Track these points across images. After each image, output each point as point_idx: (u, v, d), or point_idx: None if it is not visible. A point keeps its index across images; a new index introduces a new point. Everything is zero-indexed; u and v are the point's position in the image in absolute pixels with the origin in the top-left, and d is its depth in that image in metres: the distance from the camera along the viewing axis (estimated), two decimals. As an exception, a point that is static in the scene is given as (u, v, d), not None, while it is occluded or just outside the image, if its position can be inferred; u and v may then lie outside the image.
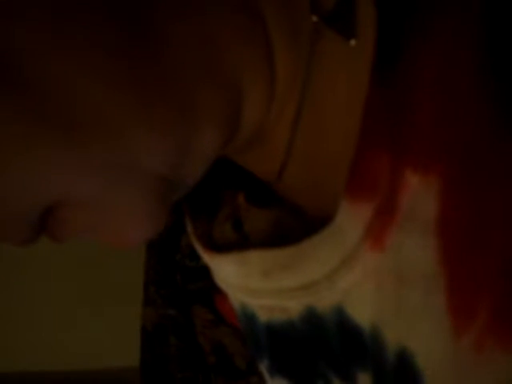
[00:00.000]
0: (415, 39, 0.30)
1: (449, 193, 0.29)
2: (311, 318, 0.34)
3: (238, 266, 0.35)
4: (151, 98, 0.28)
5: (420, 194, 0.30)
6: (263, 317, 0.37)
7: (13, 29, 0.25)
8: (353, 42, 0.31)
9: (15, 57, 0.25)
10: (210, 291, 0.63)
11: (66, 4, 0.26)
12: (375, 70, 0.30)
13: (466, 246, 0.29)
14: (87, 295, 1.47)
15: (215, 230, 0.39)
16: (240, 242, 0.37)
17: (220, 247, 0.37)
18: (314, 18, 0.31)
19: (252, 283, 0.35)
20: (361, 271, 0.32)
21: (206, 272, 0.43)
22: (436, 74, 0.30)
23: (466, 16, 0.30)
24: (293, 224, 0.37)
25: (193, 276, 0.72)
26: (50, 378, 1.56)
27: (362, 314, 0.33)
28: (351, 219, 0.31)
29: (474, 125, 0.29)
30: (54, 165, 0.26)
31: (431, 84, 0.30)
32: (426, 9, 0.31)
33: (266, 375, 0.41)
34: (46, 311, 1.50)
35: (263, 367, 0.40)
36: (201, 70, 0.29)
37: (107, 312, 1.47)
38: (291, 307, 0.35)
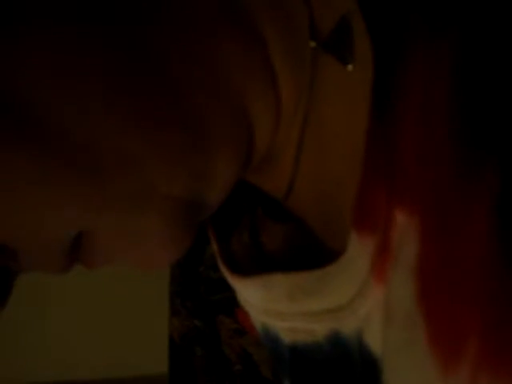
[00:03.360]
0: (401, 83, 0.31)
1: (426, 235, 0.30)
2: (337, 340, 0.35)
3: (263, 289, 0.36)
4: (165, 131, 0.29)
5: (405, 233, 0.31)
6: (287, 338, 0.38)
7: (26, 79, 0.26)
8: (350, 67, 0.32)
9: (32, 105, 0.27)
10: (233, 302, 0.64)
11: (77, 50, 0.27)
12: (374, 99, 0.31)
13: (443, 286, 0.29)
14: (114, 305, 1.49)
15: (235, 245, 0.39)
16: (258, 255, 0.38)
17: (241, 263, 0.38)
18: (312, 44, 0.32)
19: (277, 306, 0.36)
20: (372, 302, 0.32)
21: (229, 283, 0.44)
22: (416, 121, 0.30)
23: (440, 64, 0.30)
24: (305, 240, 0.38)
25: (216, 287, 0.72)
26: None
27: (375, 344, 0.33)
28: (360, 251, 0.32)
29: (447, 172, 0.29)
30: (78, 201, 0.28)
31: (413, 128, 0.30)
32: (409, 53, 0.31)
33: None
34: (74, 321, 1.52)
35: None
36: (210, 100, 0.30)
37: (135, 320, 1.48)
38: (317, 329, 0.35)
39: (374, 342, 0.33)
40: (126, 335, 1.49)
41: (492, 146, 0.28)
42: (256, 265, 0.38)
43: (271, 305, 0.36)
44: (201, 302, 0.74)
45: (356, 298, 0.32)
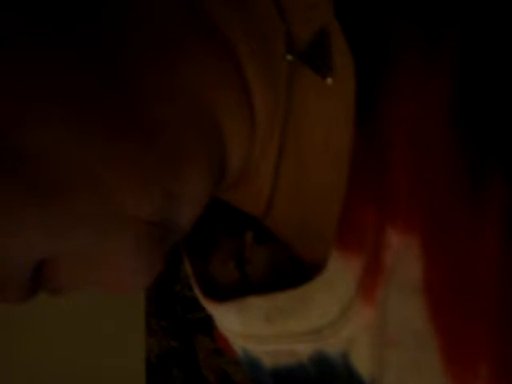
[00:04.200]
0: (388, 93, 0.30)
1: (430, 254, 0.28)
2: (322, 360, 0.34)
3: (238, 313, 0.35)
4: (133, 151, 0.27)
5: (402, 254, 0.29)
6: (268, 362, 0.36)
7: None
8: (329, 81, 0.31)
9: None
10: (211, 321, 0.62)
11: (39, 71, 0.25)
12: (358, 112, 0.30)
13: (454, 305, 0.28)
14: (88, 326, 1.46)
15: (216, 270, 0.38)
16: (240, 283, 0.37)
17: (220, 289, 0.36)
18: (289, 57, 0.31)
19: (255, 329, 0.35)
20: (358, 324, 0.31)
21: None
22: (408, 132, 0.29)
23: (436, 71, 0.29)
24: (287, 263, 0.36)
25: (193, 306, 0.71)
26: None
27: (362, 366, 0.32)
28: (343, 271, 0.30)
29: (447, 187, 0.28)
30: (37, 225, 0.26)
31: (405, 141, 0.29)
32: (397, 63, 0.30)
33: None
34: (49, 344, 1.49)
35: None
36: (181, 119, 0.28)
37: (111, 341, 1.46)
38: (300, 351, 0.34)
39: (362, 363, 0.32)
40: (103, 356, 1.47)
41: (497, 156, 0.27)
42: (237, 290, 0.36)
43: (248, 329, 0.35)
44: (177, 322, 0.72)
45: (339, 319, 0.31)
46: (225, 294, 0.36)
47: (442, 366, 0.29)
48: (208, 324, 0.69)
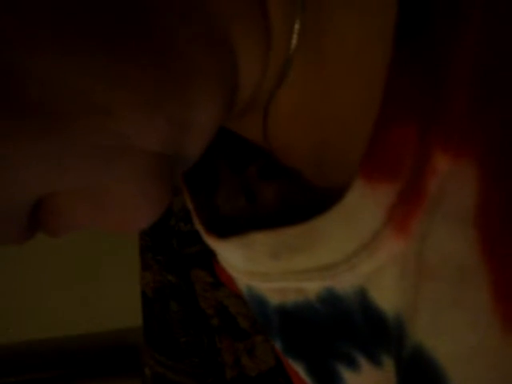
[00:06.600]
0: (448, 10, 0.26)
1: (487, 182, 0.25)
2: (331, 298, 0.32)
3: (242, 249, 0.33)
4: (135, 71, 0.24)
5: (451, 179, 0.26)
6: (275, 300, 0.35)
7: None
8: None
9: None
10: (207, 255, 0.62)
11: None
12: (400, 27, 0.27)
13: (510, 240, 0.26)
14: (84, 260, 1.46)
15: (224, 206, 0.36)
16: (250, 218, 0.35)
17: (228, 225, 0.35)
18: None
19: (260, 266, 0.33)
20: (384, 257, 0.28)
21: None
22: (475, 47, 0.26)
23: None
24: (302, 199, 0.35)
25: (189, 240, 0.70)
26: (50, 345, 1.57)
27: (386, 301, 0.30)
28: (369, 201, 0.28)
29: None
30: (34, 158, 0.24)
31: (476, 50, 0.25)
32: None
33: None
34: (44, 277, 1.49)
35: (277, 347, 0.39)
36: (189, 35, 0.26)
37: (106, 275, 1.46)
38: (307, 288, 0.33)
39: (385, 297, 0.30)
40: (98, 290, 1.47)
41: None
42: (247, 226, 0.35)
43: (253, 266, 0.33)
44: (173, 256, 0.72)
45: (356, 254, 0.29)
46: (232, 230, 0.34)
47: (491, 304, 0.26)
48: (204, 258, 0.68)
